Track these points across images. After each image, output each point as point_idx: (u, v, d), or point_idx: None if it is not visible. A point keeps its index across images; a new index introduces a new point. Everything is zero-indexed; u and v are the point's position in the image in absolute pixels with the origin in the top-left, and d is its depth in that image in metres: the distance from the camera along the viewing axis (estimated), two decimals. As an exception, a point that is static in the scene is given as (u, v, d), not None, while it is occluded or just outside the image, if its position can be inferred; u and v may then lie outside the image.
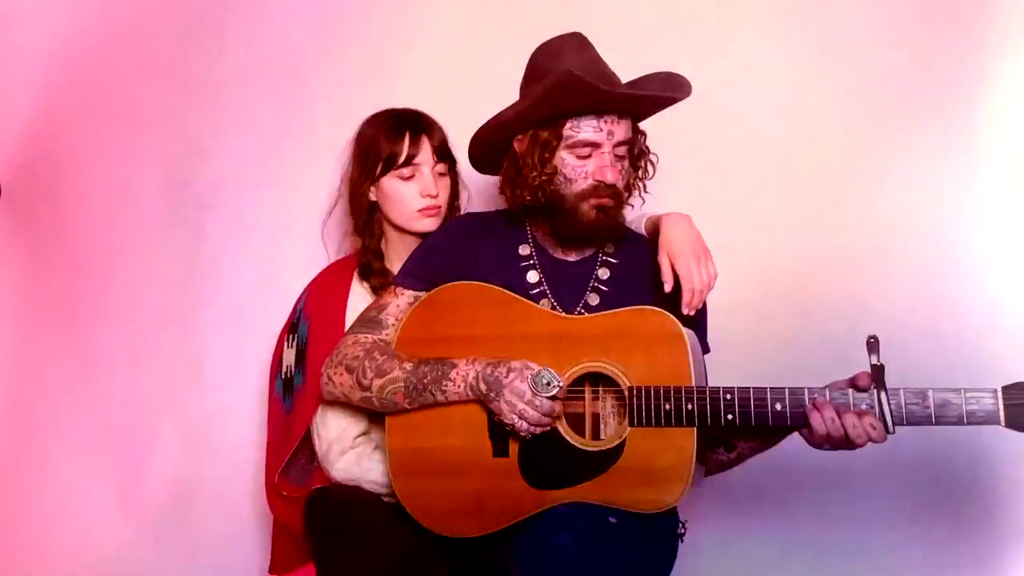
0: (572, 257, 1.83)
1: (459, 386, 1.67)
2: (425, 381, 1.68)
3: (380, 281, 2.01)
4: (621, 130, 1.71)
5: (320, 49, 2.54)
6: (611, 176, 1.69)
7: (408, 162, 1.98)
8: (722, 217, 2.22)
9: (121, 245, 2.72)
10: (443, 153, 2.02)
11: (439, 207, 2.01)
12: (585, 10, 2.33)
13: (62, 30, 2.76)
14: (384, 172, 2.00)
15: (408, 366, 1.70)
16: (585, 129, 1.69)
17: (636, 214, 1.93)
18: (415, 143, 1.99)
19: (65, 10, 2.75)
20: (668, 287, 1.70)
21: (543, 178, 1.72)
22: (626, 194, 1.78)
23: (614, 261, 1.83)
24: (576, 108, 1.68)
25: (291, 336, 2.04)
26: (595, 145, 1.70)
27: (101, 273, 2.72)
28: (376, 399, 1.73)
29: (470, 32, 2.41)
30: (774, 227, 2.25)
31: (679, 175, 2.22)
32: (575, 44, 1.77)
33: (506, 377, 1.62)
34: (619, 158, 1.72)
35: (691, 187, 2.26)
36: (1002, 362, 1.97)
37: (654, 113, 1.80)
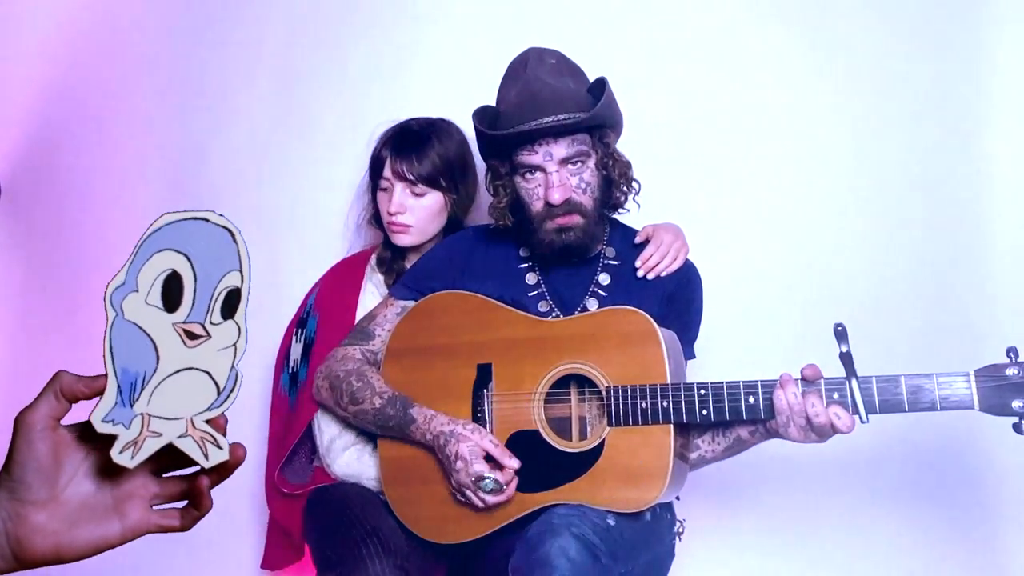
0: (572, 259, 1.80)
1: (419, 436, 1.71)
2: (390, 424, 1.73)
3: (394, 274, 2.02)
4: (560, 148, 1.69)
5: (320, 49, 2.53)
6: (556, 196, 1.69)
7: (385, 175, 1.98)
8: (721, 217, 2.20)
9: (121, 245, 2.71)
10: (429, 178, 1.96)
11: (405, 226, 1.97)
12: (585, 13, 2.31)
13: (62, 30, 2.78)
14: (372, 180, 2.03)
15: (377, 402, 1.74)
16: (522, 154, 1.71)
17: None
18: (397, 160, 1.96)
19: (65, 10, 2.77)
20: (639, 239, 1.81)
21: (501, 205, 1.78)
22: (594, 203, 1.74)
23: (616, 263, 1.81)
24: (498, 147, 1.74)
25: (299, 331, 2.04)
26: (538, 168, 1.71)
27: (101, 273, 2.71)
28: (352, 420, 1.82)
29: (473, 32, 2.39)
30: (774, 228, 2.21)
31: (678, 177, 2.21)
32: (517, 70, 1.76)
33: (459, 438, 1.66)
34: (573, 173, 1.71)
35: (690, 188, 2.23)
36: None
37: (605, 119, 1.72)
